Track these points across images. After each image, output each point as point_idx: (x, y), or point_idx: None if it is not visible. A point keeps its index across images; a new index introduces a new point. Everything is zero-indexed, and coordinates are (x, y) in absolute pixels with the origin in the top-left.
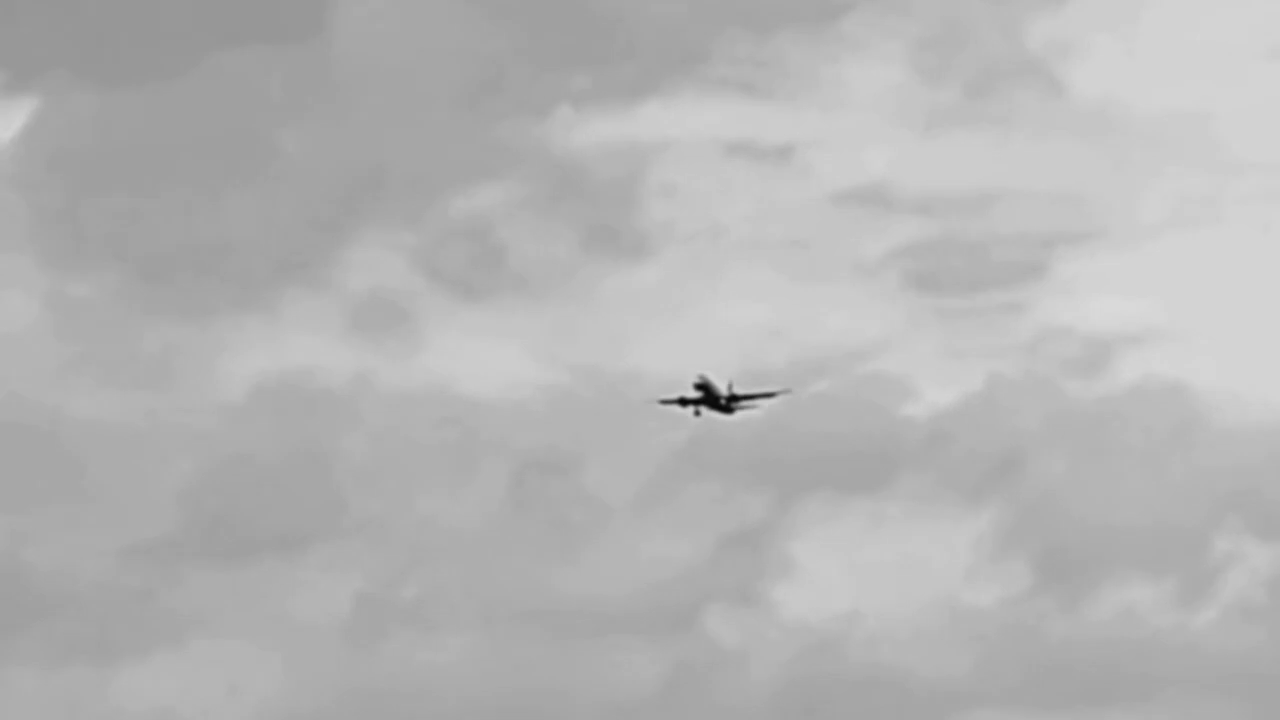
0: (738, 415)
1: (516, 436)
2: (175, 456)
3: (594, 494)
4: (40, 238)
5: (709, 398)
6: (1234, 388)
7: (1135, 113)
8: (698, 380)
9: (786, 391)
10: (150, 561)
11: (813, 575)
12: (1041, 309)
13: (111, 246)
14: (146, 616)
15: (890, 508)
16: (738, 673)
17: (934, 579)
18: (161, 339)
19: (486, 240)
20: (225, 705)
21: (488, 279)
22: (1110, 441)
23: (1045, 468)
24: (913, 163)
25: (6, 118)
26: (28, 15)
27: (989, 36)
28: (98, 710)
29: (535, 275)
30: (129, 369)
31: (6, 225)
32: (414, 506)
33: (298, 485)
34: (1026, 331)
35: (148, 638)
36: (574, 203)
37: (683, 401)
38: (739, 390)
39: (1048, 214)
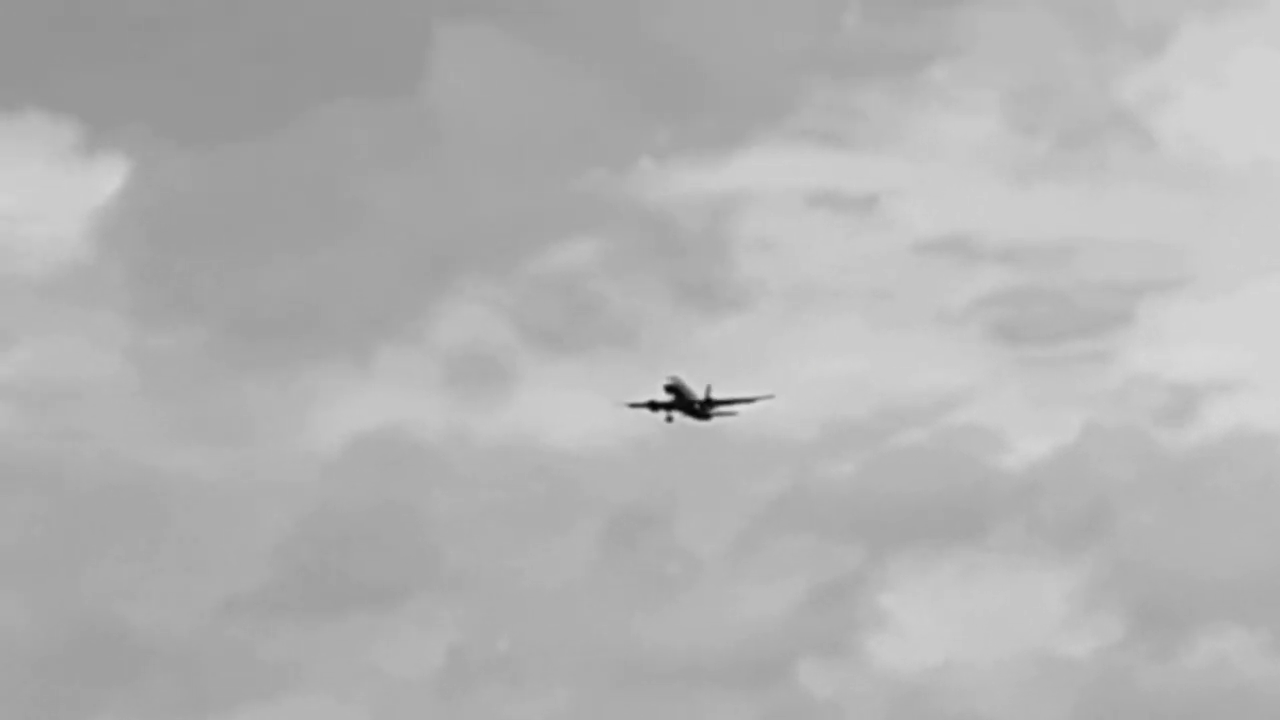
0: (715, 421)
1: (608, 489)
2: (269, 511)
3: (686, 546)
4: (137, 295)
5: (681, 401)
6: None
7: (1225, 162)
8: (668, 382)
9: (769, 397)
10: (244, 616)
11: (905, 627)
12: (1129, 358)
13: (206, 302)
14: (241, 670)
15: (983, 559)
16: None
17: (1027, 630)
18: (256, 394)
19: (577, 294)
20: None
21: (579, 332)
22: (1202, 491)
23: (1137, 518)
24: (1000, 213)
25: (98, 176)
26: (118, 72)
27: (1080, 88)
28: None
29: (625, 328)
30: (224, 424)
31: (100, 283)
32: (506, 560)
33: (390, 539)
34: (1114, 381)
35: (242, 691)
36: (660, 255)
37: (653, 405)
38: (716, 395)
39: (1134, 262)
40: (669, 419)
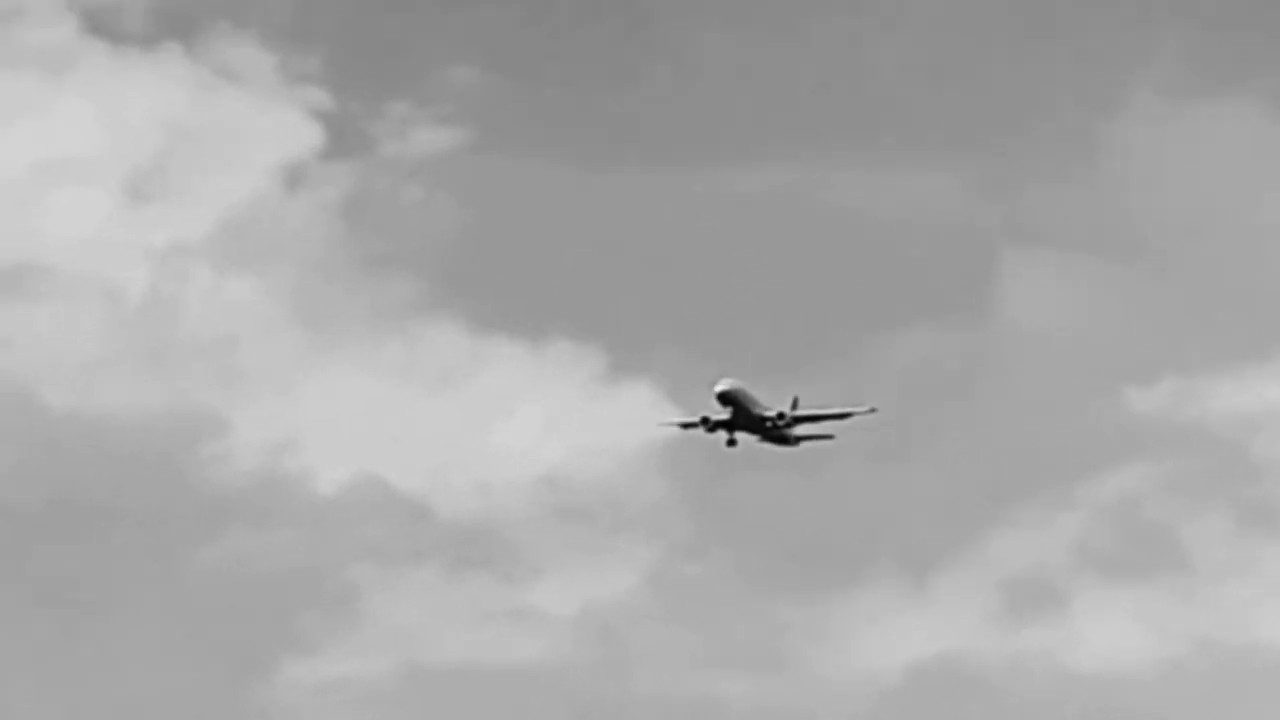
0: (805, 447)
1: (1168, 716)
2: None
3: None
4: (673, 521)
5: (744, 417)
6: None
7: None
8: (721, 388)
9: (870, 411)
10: None
11: None
12: None
13: (748, 527)
14: None
15: None
16: None
17: None
18: (808, 620)
19: (1133, 518)
20: None
21: (1136, 558)
22: None
23: None
24: None
25: (626, 403)
26: (643, 299)
27: None
28: None
29: (1181, 552)
30: (773, 652)
31: (633, 509)
32: None
33: None
34: None
35: None
36: (1214, 477)
37: (707, 423)
38: (804, 410)
39: None
40: (731, 442)
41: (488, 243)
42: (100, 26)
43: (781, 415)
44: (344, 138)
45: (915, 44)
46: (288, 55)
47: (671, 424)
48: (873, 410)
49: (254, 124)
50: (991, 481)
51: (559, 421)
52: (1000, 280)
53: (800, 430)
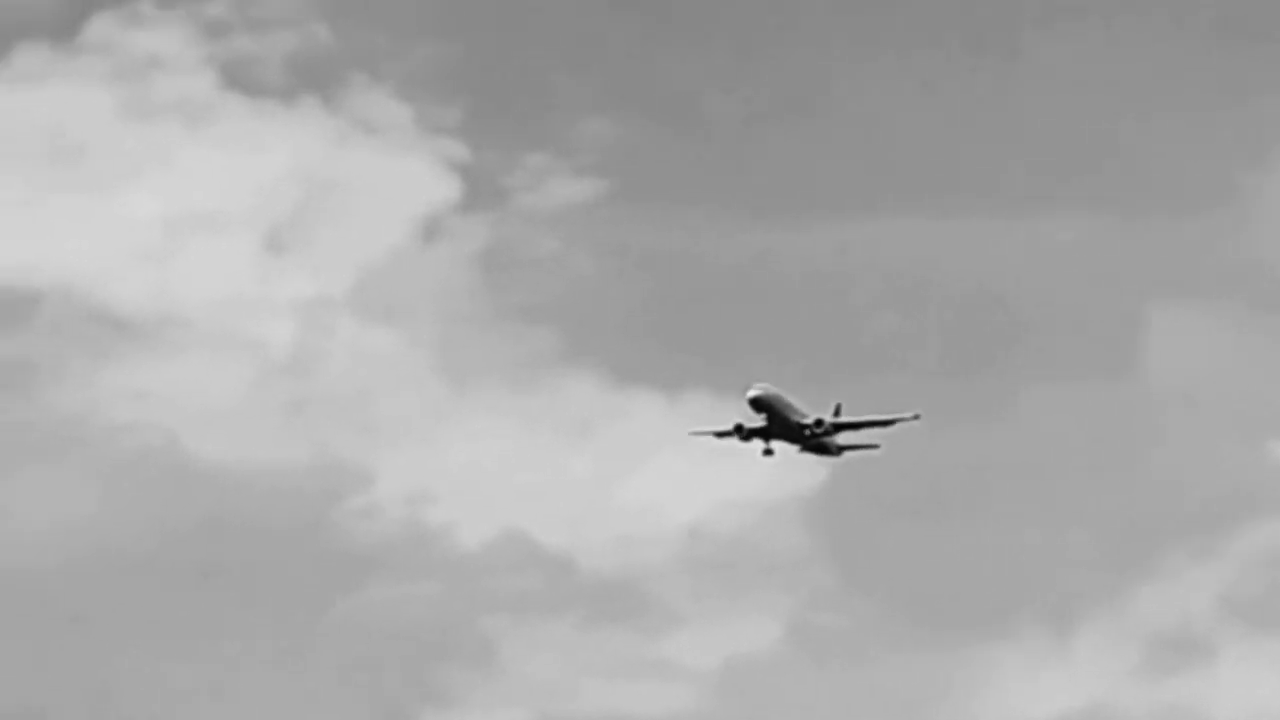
0: (846, 457)
1: None
2: None
3: None
4: (808, 572)
5: (780, 424)
6: None
7: None
8: (754, 394)
9: (914, 418)
10: None
11: None
12: None
13: (898, 576)
14: None
15: None
16: None
17: None
18: (950, 673)
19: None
20: None
21: None
22: None
23: None
24: None
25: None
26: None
27: None
28: None
29: None
30: (917, 705)
31: (763, 560)
32: None
33: None
34: None
35: None
36: None
37: (741, 431)
38: (845, 418)
39: None
40: (768, 451)
41: (625, 294)
42: (238, 79)
43: (819, 422)
44: (481, 189)
45: (1058, 96)
46: (425, 107)
47: (705, 433)
48: (916, 417)
49: (391, 176)
50: (1136, 534)
51: (698, 473)
52: (1145, 332)
53: (843, 439)
